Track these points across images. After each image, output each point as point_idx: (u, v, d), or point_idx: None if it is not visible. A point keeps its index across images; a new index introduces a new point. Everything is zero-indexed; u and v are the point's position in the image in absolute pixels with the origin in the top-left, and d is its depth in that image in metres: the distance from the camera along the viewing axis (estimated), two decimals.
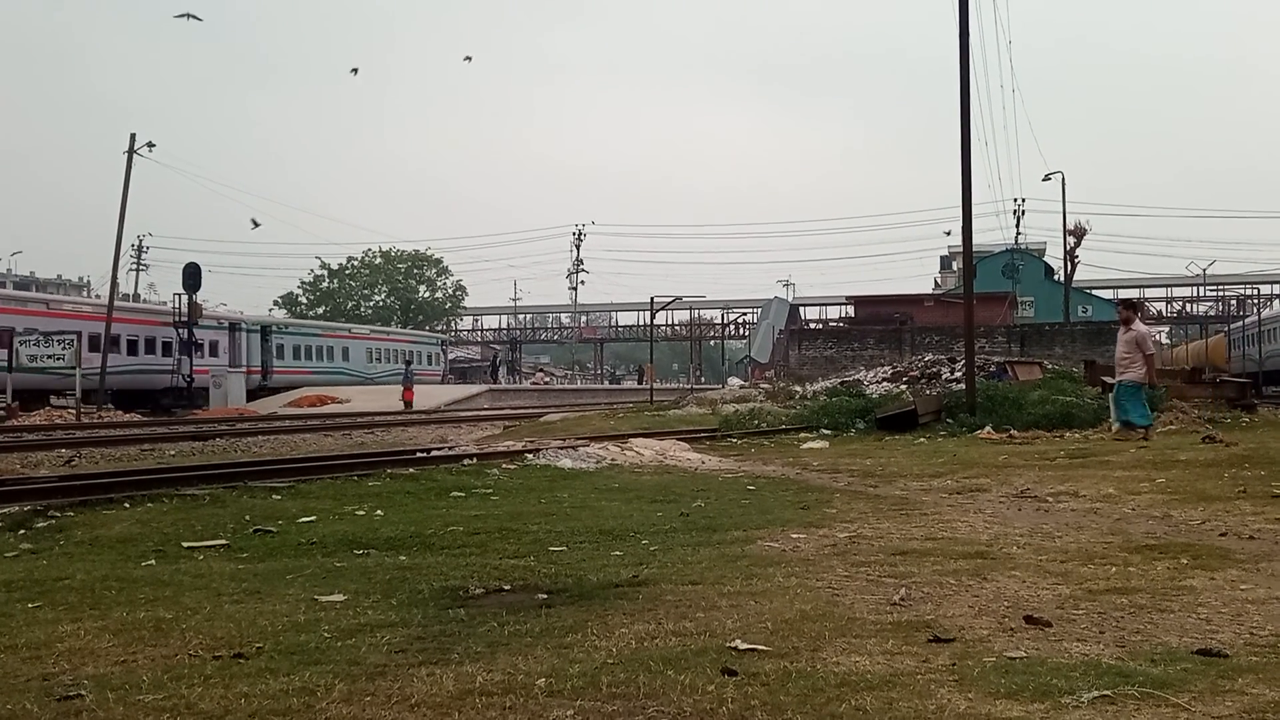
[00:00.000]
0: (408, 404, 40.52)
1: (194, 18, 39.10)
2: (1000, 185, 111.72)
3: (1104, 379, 20.75)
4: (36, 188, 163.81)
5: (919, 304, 52.89)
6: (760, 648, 3.80)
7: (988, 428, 17.04)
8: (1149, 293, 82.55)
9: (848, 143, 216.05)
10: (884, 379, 27.49)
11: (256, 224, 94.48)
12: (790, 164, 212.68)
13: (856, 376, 29.22)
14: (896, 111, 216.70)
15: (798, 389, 28.60)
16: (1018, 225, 65.12)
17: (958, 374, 24.75)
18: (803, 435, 17.74)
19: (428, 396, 43.34)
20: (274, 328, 52.23)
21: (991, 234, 71.24)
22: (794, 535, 6.73)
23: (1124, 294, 76.45)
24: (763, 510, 8.18)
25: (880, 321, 48.09)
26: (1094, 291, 69.58)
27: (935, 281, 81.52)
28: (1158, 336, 14.34)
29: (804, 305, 78.65)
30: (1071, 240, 52.59)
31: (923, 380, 26.16)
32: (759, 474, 11.48)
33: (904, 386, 25.44)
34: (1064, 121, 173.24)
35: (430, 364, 62.72)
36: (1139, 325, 15.47)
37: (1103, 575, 5.23)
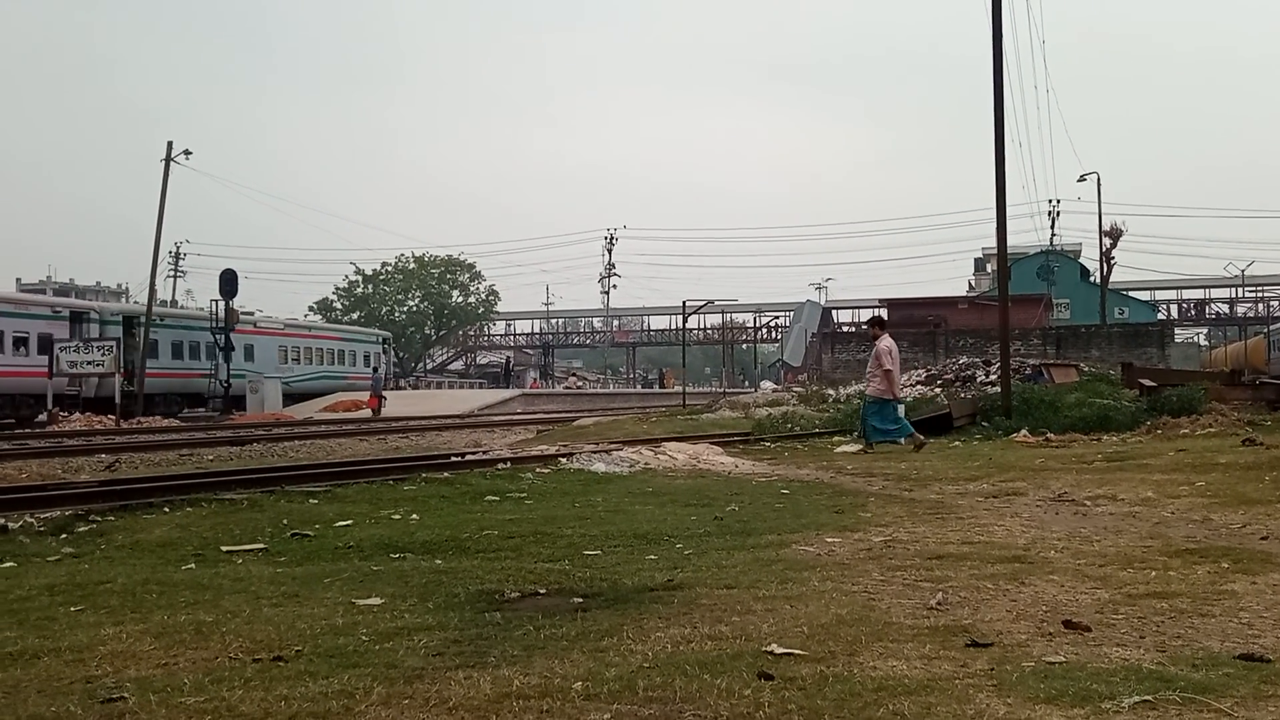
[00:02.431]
0: (374, 411, 39.34)
1: None
2: (1035, 186, 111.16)
3: (1141, 381, 20.56)
4: (73, 197, 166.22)
5: (953, 307, 52.55)
6: (796, 652, 3.79)
7: (1024, 431, 16.90)
8: (1186, 294, 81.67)
9: (879, 144, 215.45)
10: (918, 382, 27.34)
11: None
12: (821, 166, 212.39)
13: None
14: (928, 112, 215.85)
15: (831, 392, 28.50)
16: (1052, 226, 64.75)
17: (993, 377, 24.60)
18: (836, 439, 17.65)
19: (459, 401, 43.58)
20: (139, 319, 40.91)
21: (1026, 235, 70.92)
22: (829, 539, 6.71)
23: (1160, 295, 75.73)
24: (797, 514, 8.16)
25: (914, 324, 47.79)
26: (1131, 293, 68.90)
27: (969, 284, 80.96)
28: (894, 351, 14.66)
29: (837, 308, 78.35)
30: (1108, 241, 52.16)
31: (957, 384, 26.01)
32: (793, 478, 11.44)
33: (938, 390, 25.30)
34: (1098, 120, 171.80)
35: (367, 367, 52.49)
36: (883, 340, 15.77)
37: (1142, 579, 5.18)
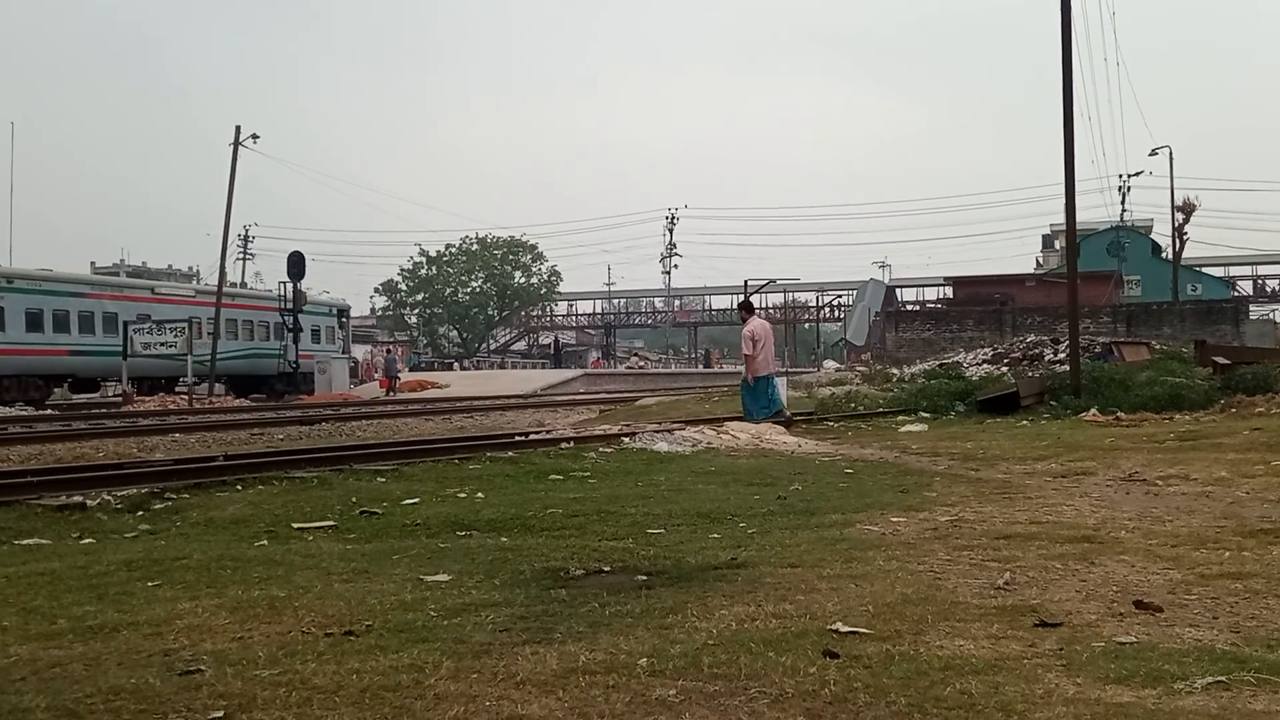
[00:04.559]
0: (386, 392, 40.38)
1: None
2: (1104, 161, 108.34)
3: (1215, 359, 20.11)
4: (145, 180, 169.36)
5: (1020, 284, 51.77)
6: (862, 630, 3.78)
7: (1093, 410, 16.64)
8: (1262, 269, 79.58)
9: (942, 118, 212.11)
10: (984, 361, 27.03)
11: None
12: (884, 141, 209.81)
13: (955, 359, 28.78)
14: (994, 85, 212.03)
15: (895, 371, 28.26)
16: (1123, 202, 63.32)
17: (1061, 355, 24.23)
18: (900, 418, 17.53)
19: (522, 382, 43.78)
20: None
21: (1095, 211, 69.19)
22: (893, 519, 6.67)
23: (1235, 271, 73.87)
24: (861, 493, 8.12)
25: (980, 302, 47.21)
26: (1204, 269, 67.28)
27: (1037, 261, 79.60)
28: (751, 331, 15.02)
29: (900, 286, 77.52)
30: (1180, 216, 51.02)
31: (1025, 362, 25.65)
32: (856, 457, 11.38)
33: (1005, 368, 24.97)
34: (1170, 93, 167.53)
35: (320, 343, 44.85)
36: (749, 324, 16.58)
37: (1215, 560, 5.09)
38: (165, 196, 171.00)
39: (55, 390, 35.78)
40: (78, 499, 8.05)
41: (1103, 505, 7.14)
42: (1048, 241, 79.94)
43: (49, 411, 27.51)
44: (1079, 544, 5.56)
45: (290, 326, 40.86)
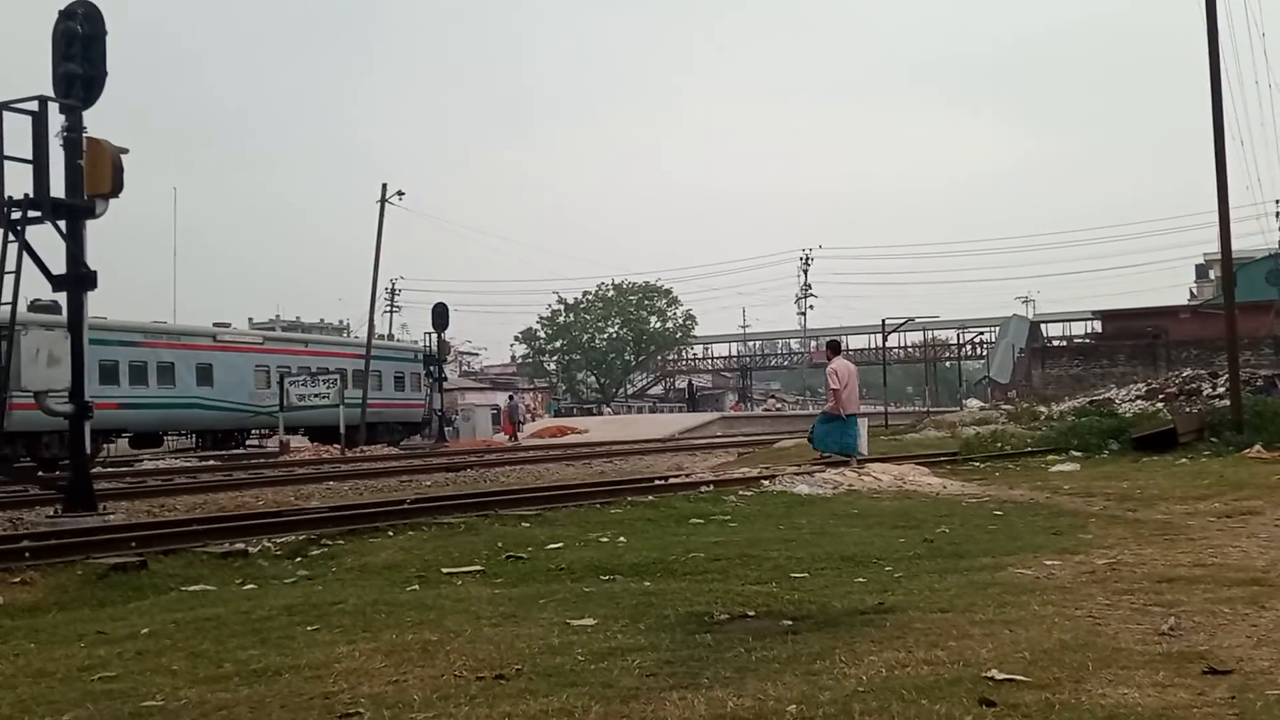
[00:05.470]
0: (510, 438, 41.05)
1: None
2: (1260, 187, 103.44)
3: None
4: (299, 235, 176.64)
5: (1173, 316, 49.76)
6: (1018, 678, 3.67)
7: (1257, 446, 15.86)
8: None
9: (1081, 147, 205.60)
10: (1137, 397, 26.08)
11: None
12: (1021, 173, 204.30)
13: (1107, 395, 27.84)
14: (1134, 113, 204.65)
15: (1042, 409, 27.45)
16: None
17: (1220, 389, 23.21)
18: (1050, 457, 17.01)
19: (660, 426, 43.90)
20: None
21: (1251, 239, 66.01)
22: (1047, 562, 6.47)
23: None
24: (1012, 536, 7.90)
25: (1130, 336, 45.51)
26: None
27: (1190, 292, 76.39)
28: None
29: (1045, 321, 75.30)
30: None
31: (1181, 397, 24.65)
32: (1005, 498, 11.08)
33: (1160, 404, 24.06)
34: None
35: (404, 390, 42.17)
36: (832, 363, 16.93)
37: None
38: (319, 252, 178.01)
39: (107, 446, 31.50)
40: (240, 546, 8.41)
41: (1272, 546, 6.80)
42: (1201, 271, 76.69)
43: (211, 462, 28.73)
44: (1247, 587, 5.31)
45: (434, 375, 41.33)
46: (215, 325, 37.83)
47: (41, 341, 11.91)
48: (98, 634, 5.10)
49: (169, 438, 35.61)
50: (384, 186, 41.72)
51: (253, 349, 37.40)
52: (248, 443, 37.69)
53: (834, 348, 18.48)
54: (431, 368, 44.29)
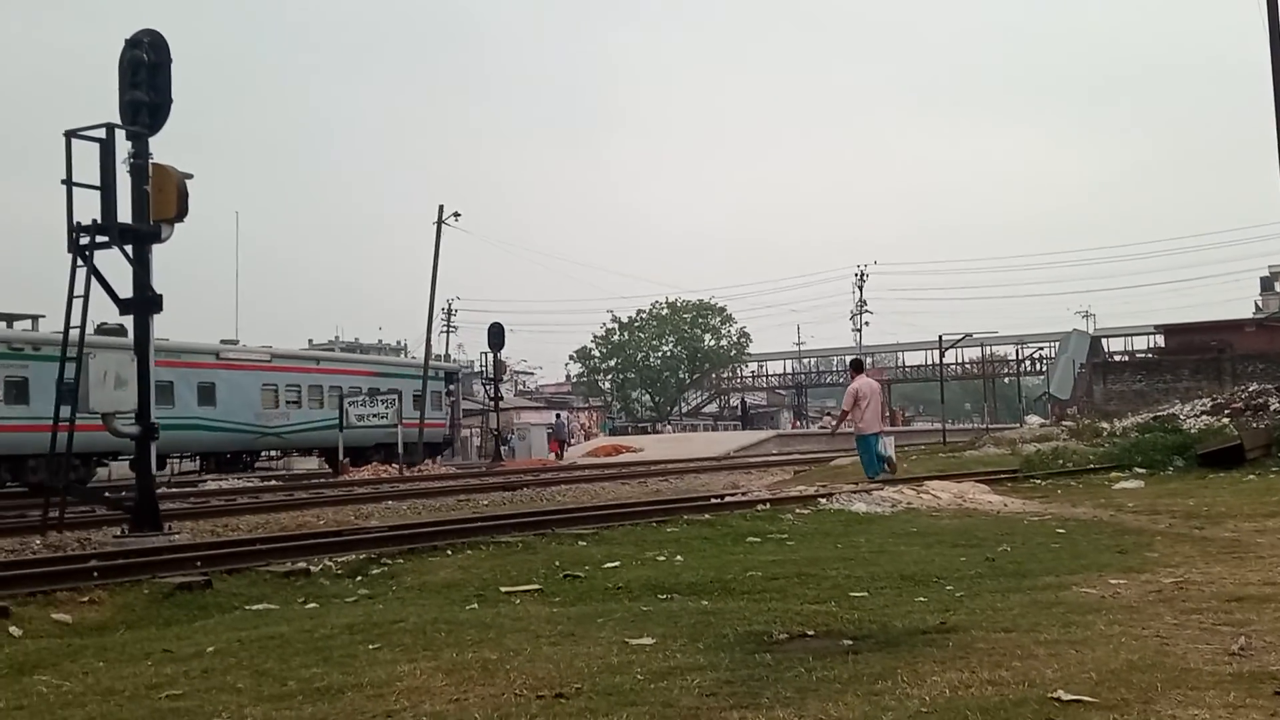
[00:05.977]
0: (556, 456, 41.89)
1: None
2: None
3: None
4: (362, 255, 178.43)
5: (1238, 330, 48.76)
6: (1085, 699, 3.62)
7: None
8: None
9: (1138, 160, 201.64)
10: (1202, 412, 25.49)
11: None
12: (1078, 186, 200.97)
13: (1171, 410, 27.25)
14: (1191, 123, 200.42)
15: (1104, 425, 26.94)
16: None
17: None
18: (1113, 475, 16.72)
19: (715, 444, 43.78)
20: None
21: None
22: (1112, 581, 6.36)
23: None
24: (1075, 554, 7.78)
25: (1194, 350, 44.65)
26: None
27: (1256, 304, 74.70)
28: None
29: (1106, 336, 74.13)
30: None
31: (1247, 412, 24.07)
32: (1068, 516, 10.91)
33: (1226, 419, 23.51)
34: None
35: (418, 410, 38.46)
36: (855, 382, 16.91)
37: None
38: (380, 271, 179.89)
39: (101, 470, 30.12)
40: (302, 565, 8.52)
41: None
42: (1266, 284, 75.06)
43: (273, 483, 29.07)
44: None
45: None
46: (222, 342, 36.63)
47: (109, 364, 12.18)
48: (164, 652, 5.18)
49: (171, 459, 33.56)
50: (440, 208, 42.29)
51: (260, 367, 35.44)
52: (256, 465, 36.39)
53: (857, 366, 18.82)
54: (451, 386, 43.03)
